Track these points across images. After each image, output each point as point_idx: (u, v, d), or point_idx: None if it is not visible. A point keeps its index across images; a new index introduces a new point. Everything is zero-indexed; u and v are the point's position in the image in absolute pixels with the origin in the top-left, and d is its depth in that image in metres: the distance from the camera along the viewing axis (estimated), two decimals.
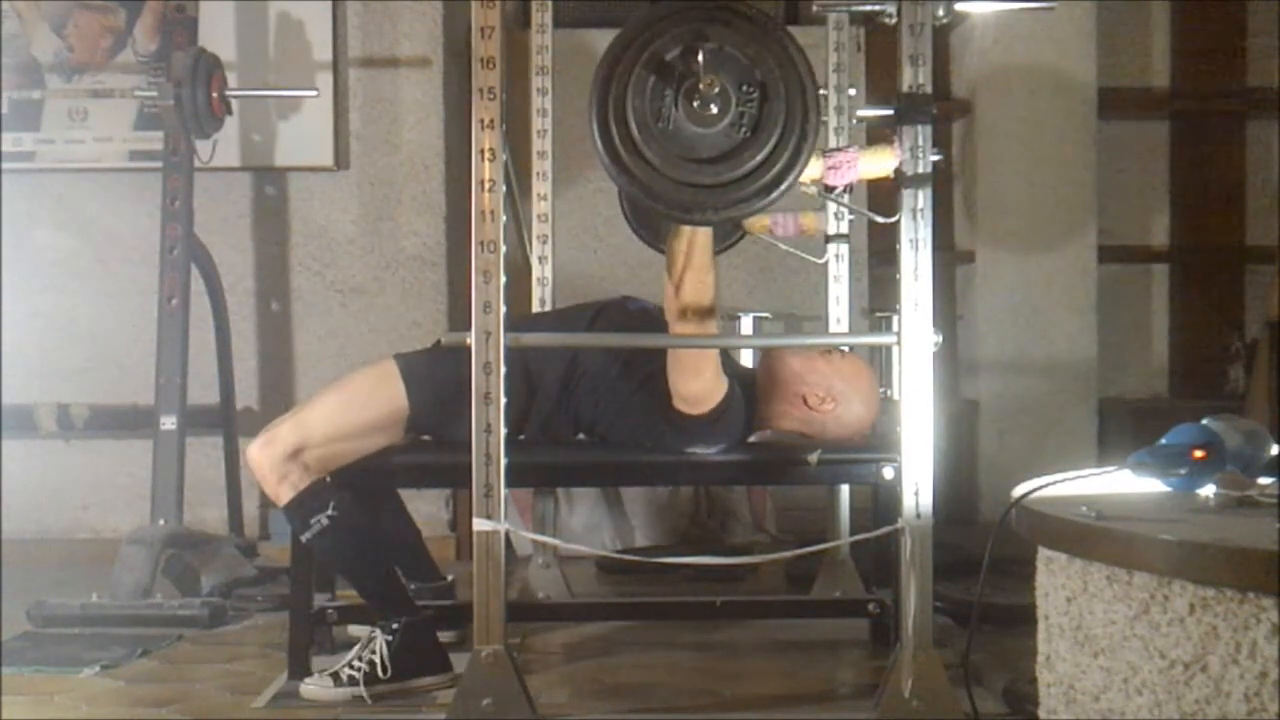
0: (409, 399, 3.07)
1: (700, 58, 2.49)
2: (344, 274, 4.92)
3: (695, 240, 2.75)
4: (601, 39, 5.26)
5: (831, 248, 3.85)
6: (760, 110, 2.53)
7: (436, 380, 3.06)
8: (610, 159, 2.53)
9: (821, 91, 3.91)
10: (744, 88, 2.53)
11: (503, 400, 2.64)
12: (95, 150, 4.85)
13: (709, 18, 2.54)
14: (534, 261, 3.96)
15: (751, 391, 3.12)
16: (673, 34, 2.52)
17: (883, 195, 2.94)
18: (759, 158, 2.52)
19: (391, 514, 3.43)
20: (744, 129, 2.53)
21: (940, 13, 2.70)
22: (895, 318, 2.69)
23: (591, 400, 3.14)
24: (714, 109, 2.51)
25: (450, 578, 3.54)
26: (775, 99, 2.53)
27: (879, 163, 2.73)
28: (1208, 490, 1.97)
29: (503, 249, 2.65)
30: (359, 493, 3.09)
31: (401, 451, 3.14)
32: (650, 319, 3.19)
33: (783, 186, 2.55)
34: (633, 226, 3.97)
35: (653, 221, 3.87)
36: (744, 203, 2.56)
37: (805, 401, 3.12)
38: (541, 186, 3.96)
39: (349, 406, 3.06)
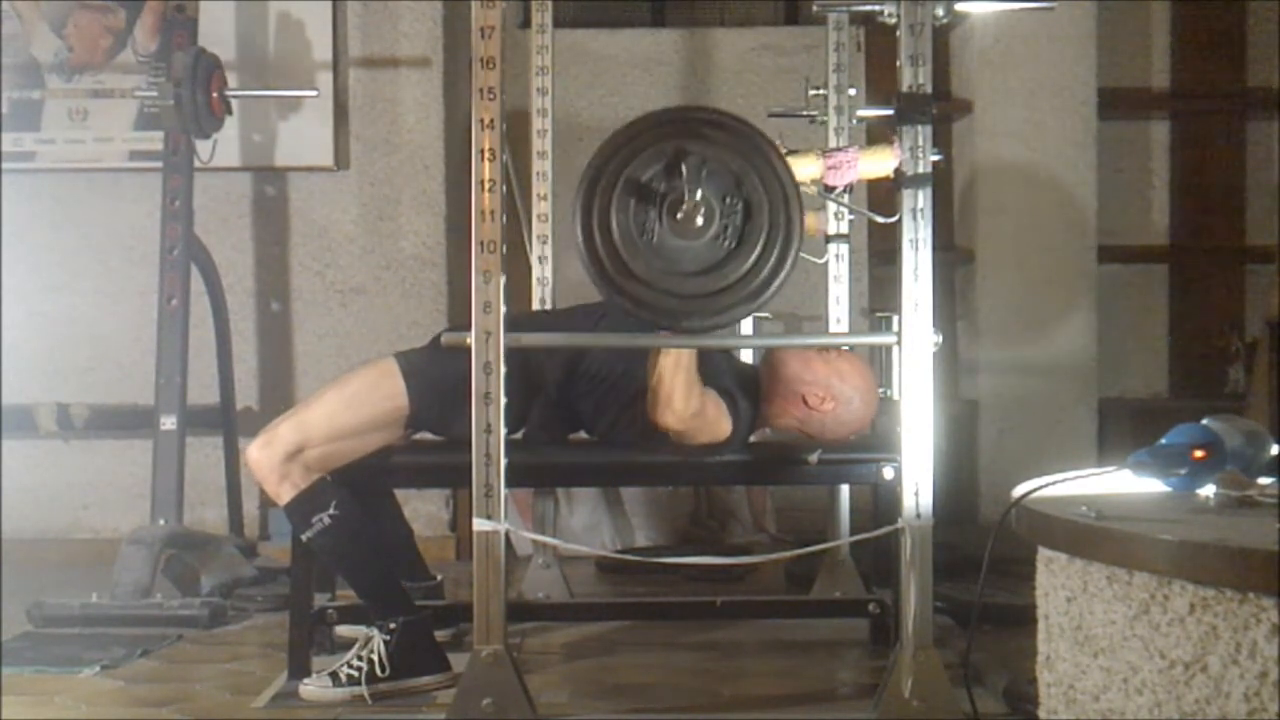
0: (409, 396, 3.07)
1: (684, 173, 2.54)
2: (344, 274, 4.92)
3: (680, 363, 2.83)
4: (601, 39, 5.32)
5: (831, 248, 3.85)
6: (744, 221, 2.58)
7: (436, 376, 3.06)
8: (597, 273, 2.58)
9: (821, 91, 3.97)
10: (727, 200, 2.57)
11: (503, 400, 2.64)
12: (95, 150, 4.86)
13: (690, 132, 2.58)
14: (534, 261, 3.96)
15: (755, 391, 3.12)
16: (656, 149, 2.56)
17: (883, 195, 2.94)
18: (744, 268, 2.58)
19: (388, 513, 3.43)
20: (729, 241, 2.58)
21: (940, 13, 2.69)
22: (895, 318, 2.69)
23: (593, 399, 3.14)
24: (699, 221, 2.55)
25: (439, 577, 3.54)
26: (759, 210, 2.58)
27: (879, 163, 2.73)
28: (1208, 490, 1.97)
29: (503, 249, 2.65)
30: (358, 492, 3.09)
31: (401, 451, 3.14)
32: None
33: (769, 292, 2.61)
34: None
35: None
36: (730, 310, 2.63)
37: (805, 401, 3.13)
38: (541, 186, 3.96)
39: (349, 405, 3.05)
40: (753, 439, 3.18)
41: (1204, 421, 2.05)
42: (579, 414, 3.19)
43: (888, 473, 2.94)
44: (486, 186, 2.64)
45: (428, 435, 3.21)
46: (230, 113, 4.40)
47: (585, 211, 2.58)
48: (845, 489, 3.74)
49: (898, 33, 2.64)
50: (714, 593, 3.81)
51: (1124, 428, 5.32)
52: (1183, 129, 5.77)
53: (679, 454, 3.08)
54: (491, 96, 2.64)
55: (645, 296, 2.59)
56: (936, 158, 2.72)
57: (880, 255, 5.21)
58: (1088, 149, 5.31)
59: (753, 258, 2.58)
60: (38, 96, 4.85)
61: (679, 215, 2.56)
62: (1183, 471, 2.02)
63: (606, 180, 2.57)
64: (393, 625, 2.99)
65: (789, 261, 2.60)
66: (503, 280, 2.65)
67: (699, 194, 2.55)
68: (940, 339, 2.69)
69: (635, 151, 2.57)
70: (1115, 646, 1.78)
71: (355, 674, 2.95)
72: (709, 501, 4.91)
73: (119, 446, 4.83)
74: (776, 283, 2.61)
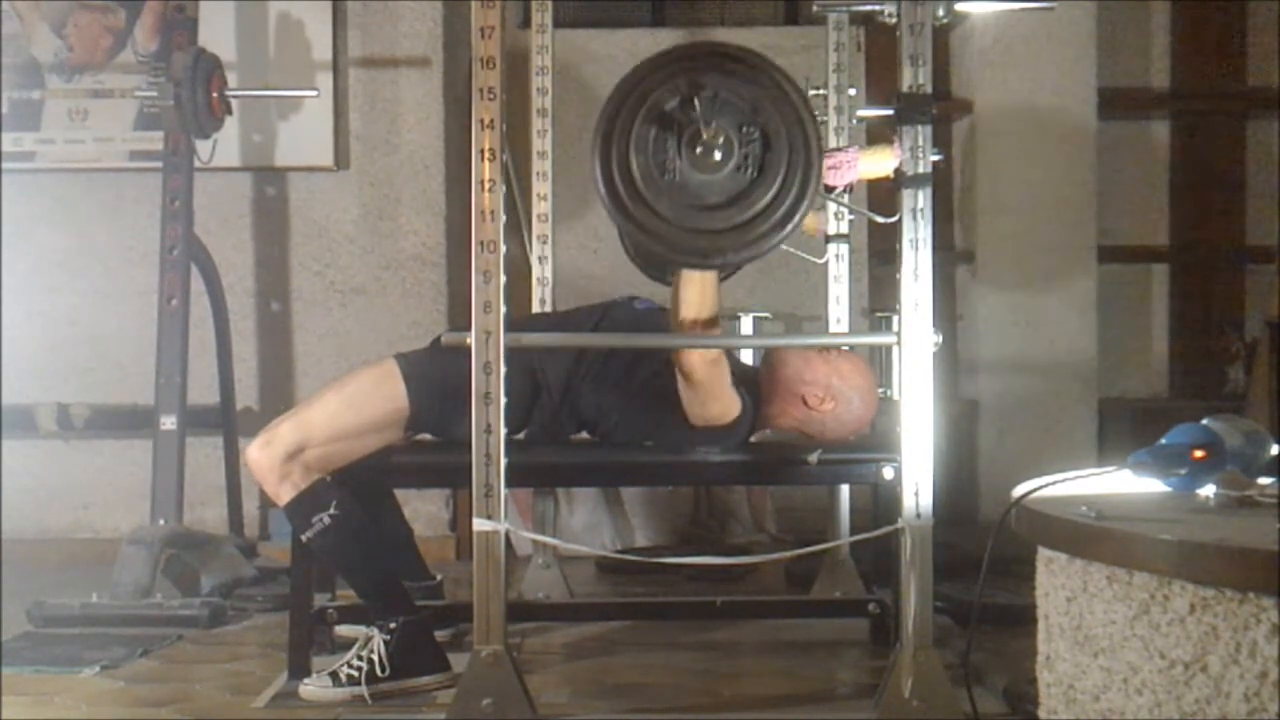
0: (410, 398, 3.07)
1: (698, 106, 2.52)
2: (344, 274, 4.92)
3: (706, 286, 2.78)
4: (601, 39, 5.32)
5: (831, 248, 3.85)
6: (764, 150, 2.56)
7: (437, 378, 3.06)
8: (622, 216, 2.56)
9: (821, 91, 3.97)
10: (745, 129, 2.56)
11: (503, 400, 2.64)
12: (95, 150, 4.86)
13: (703, 65, 2.57)
14: (534, 261, 3.96)
15: (755, 391, 3.13)
16: (668, 87, 2.54)
17: (883, 195, 2.94)
18: (769, 196, 2.56)
19: (388, 513, 3.43)
20: (750, 170, 2.56)
21: (940, 13, 2.70)
22: (895, 318, 2.69)
23: (595, 399, 3.15)
24: (718, 155, 2.53)
25: (439, 577, 3.55)
26: (776, 136, 2.56)
27: (879, 163, 2.73)
28: (1208, 490, 1.97)
29: (503, 249, 2.65)
30: (358, 492, 3.09)
31: (401, 451, 3.14)
32: (657, 319, 3.20)
33: (796, 219, 2.59)
34: (635, 263, 3.98)
35: (655, 258, 3.87)
36: (760, 241, 2.59)
37: (805, 401, 3.13)
38: (541, 186, 3.96)
39: (349, 406, 3.06)
40: (753, 439, 3.18)
41: (1204, 421, 2.06)
42: (581, 415, 3.19)
43: (888, 473, 2.94)
44: (486, 186, 2.64)
45: (428, 436, 3.21)
46: (230, 113, 4.40)
47: (604, 160, 2.55)
48: (845, 489, 3.74)
49: (898, 33, 2.65)
50: (714, 593, 3.81)
51: (1124, 428, 5.32)
52: (1183, 129, 5.78)
53: (681, 452, 3.09)
54: (491, 96, 2.64)
55: (673, 237, 2.56)
56: (936, 158, 2.72)
57: (880, 255, 5.21)
58: (1088, 149, 5.31)
59: (777, 184, 2.55)
60: (38, 96, 4.86)
61: (698, 149, 2.53)
62: (1183, 471, 2.02)
63: (621, 125, 2.54)
64: (393, 625, 2.99)
65: (812, 185, 2.57)
66: (503, 280, 2.65)
67: (714, 124, 2.52)
68: (940, 339, 2.69)
69: (647, 92, 2.55)
70: (1115, 646, 1.78)
71: (355, 674, 2.95)
72: (709, 501, 4.91)
73: (119, 446, 4.83)
74: (803, 207, 2.57)
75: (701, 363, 2.88)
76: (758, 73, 2.58)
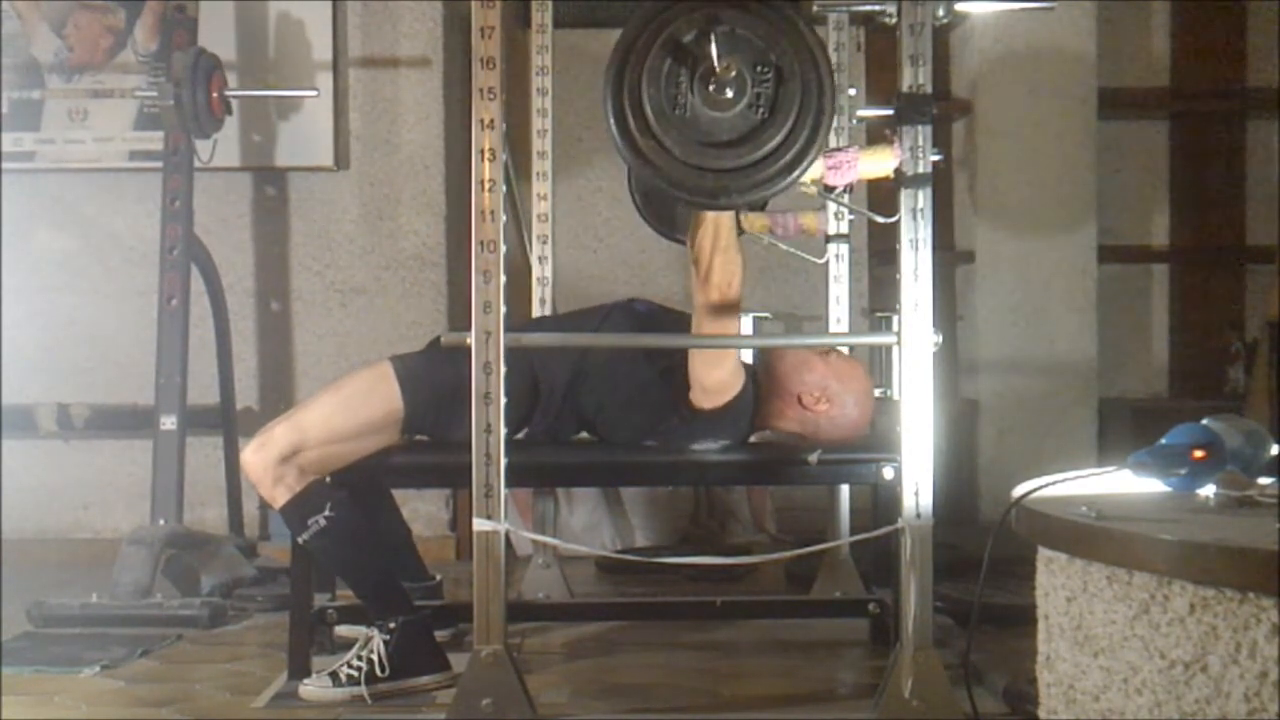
0: (404, 400, 3.07)
1: (713, 41, 2.47)
2: (344, 274, 4.92)
3: (720, 226, 2.76)
4: (601, 39, 5.32)
5: (831, 248, 3.85)
6: (776, 90, 2.52)
7: (432, 381, 3.06)
8: (629, 149, 2.52)
9: None
10: (759, 69, 2.51)
11: (503, 400, 2.64)
12: (95, 150, 4.85)
13: (720, 2, 2.53)
14: (534, 261, 3.96)
15: (754, 389, 3.13)
16: (685, 20, 2.51)
17: (883, 195, 2.94)
18: (779, 137, 2.51)
19: (386, 514, 3.43)
20: (761, 110, 2.52)
21: (940, 13, 2.70)
22: (895, 318, 2.69)
23: (595, 398, 3.15)
24: (730, 93, 2.50)
25: (439, 577, 3.55)
26: (790, 78, 2.51)
27: (879, 163, 2.73)
28: (1208, 490, 1.97)
29: (503, 249, 2.65)
30: (356, 493, 3.09)
31: (401, 451, 3.14)
32: (657, 320, 3.20)
33: (805, 164, 2.54)
34: (643, 215, 3.97)
35: (664, 210, 3.86)
36: (768, 183, 2.54)
37: (800, 401, 3.12)
38: (541, 186, 3.96)
39: (344, 408, 3.05)
40: (753, 439, 3.18)
41: (1204, 421, 2.05)
42: (582, 415, 3.18)
43: (888, 473, 2.94)
44: (486, 186, 2.64)
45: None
46: (230, 113, 4.40)
47: (616, 90, 2.51)
48: (845, 489, 3.74)
49: (898, 33, 2.65)
50: (714, 593, 3.81)
51: (1124, 428, 5.32)
52: (1183, 129, 5.78)
53: (681, 449, 3.09)
54: (491, 96, 2.64)
55: (678, 172, 2.51)
56: (936, 158, 2.72)
57: (880, 255, 5.21)
58: (1088, 149, 5.31)
59: (788, 126, 2.51)
60: (38, 96, 4.85)
61: (710, 85, 2.49)
62: (1183, 471, 2.02)
63: (636, 56, 2.50)
64: (392, 625, 2.99)
65: (823, 129, 2.53)
66: (503, 280, 2.65)
67: (727, 60, 2.47)
68: (940, 339, 2.69)
69: (664, 25, 2.51)
70: (1115, 646, 1.78)
71: (355, 674, 2.96)
72: (709, 501, 4.91)
73: (119, 446, 4.83)
74: (813, 151, 2.53)
75: (717, 294, 2.83)
76: (776, 14, 2.53)
